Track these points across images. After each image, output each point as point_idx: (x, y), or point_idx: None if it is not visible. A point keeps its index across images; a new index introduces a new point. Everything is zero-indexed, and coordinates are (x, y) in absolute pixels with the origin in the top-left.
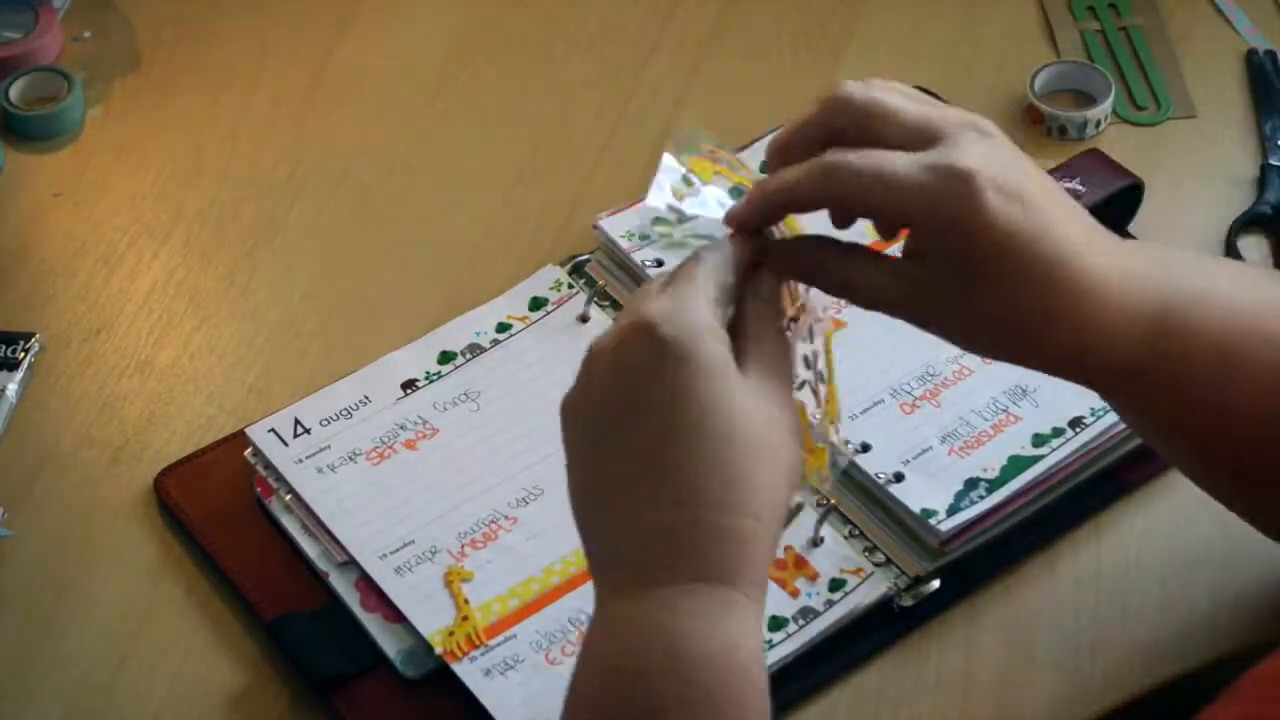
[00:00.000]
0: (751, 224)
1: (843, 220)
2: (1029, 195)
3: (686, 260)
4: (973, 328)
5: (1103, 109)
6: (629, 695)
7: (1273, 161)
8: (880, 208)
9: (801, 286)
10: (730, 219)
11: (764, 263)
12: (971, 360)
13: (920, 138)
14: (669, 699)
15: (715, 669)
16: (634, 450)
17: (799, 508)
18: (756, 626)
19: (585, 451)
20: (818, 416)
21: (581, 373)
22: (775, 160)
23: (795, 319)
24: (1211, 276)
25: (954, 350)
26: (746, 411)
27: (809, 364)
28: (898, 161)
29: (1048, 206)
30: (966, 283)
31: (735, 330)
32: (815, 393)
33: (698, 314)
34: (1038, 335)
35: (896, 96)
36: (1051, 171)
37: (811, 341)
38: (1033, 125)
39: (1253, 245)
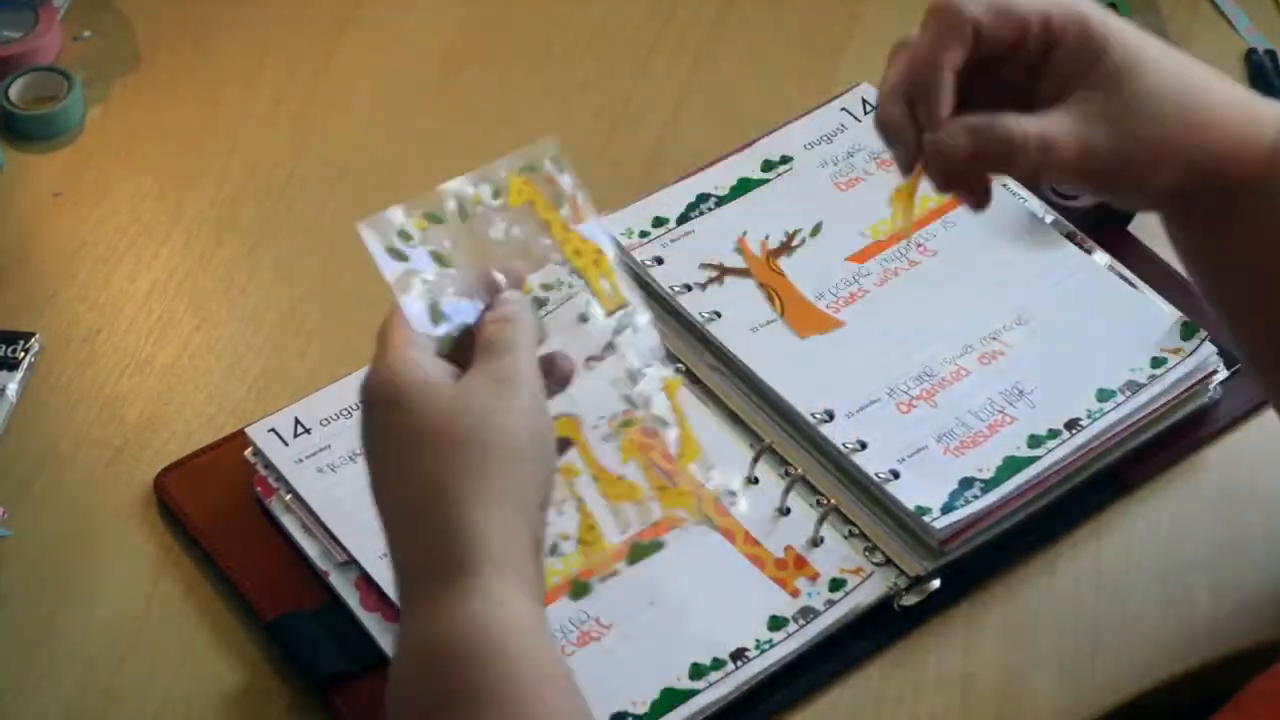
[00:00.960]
0: (904, 100)
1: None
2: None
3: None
4: (1124, 134)
5: None
6: (405, 701)
7: None
8: (1010, 33)
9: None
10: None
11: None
12: (969, 361)
13: None
14: (428, 698)
15: (463, 653)
16: (389, 496)
17: (648, 548)
18: (510, 599)
19: (377, 502)
20: (664, 461)
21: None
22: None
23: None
24: None
25: (951, 351)
26: (451, 419)
27: (634, 404)
28: None
29: (1152, 40)
30: (1105, 97)
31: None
32: (657, 436)
33: (392, 360)
34: (1175, 129)
35: None
36: None
37: (634, 384)
38: None
39: None
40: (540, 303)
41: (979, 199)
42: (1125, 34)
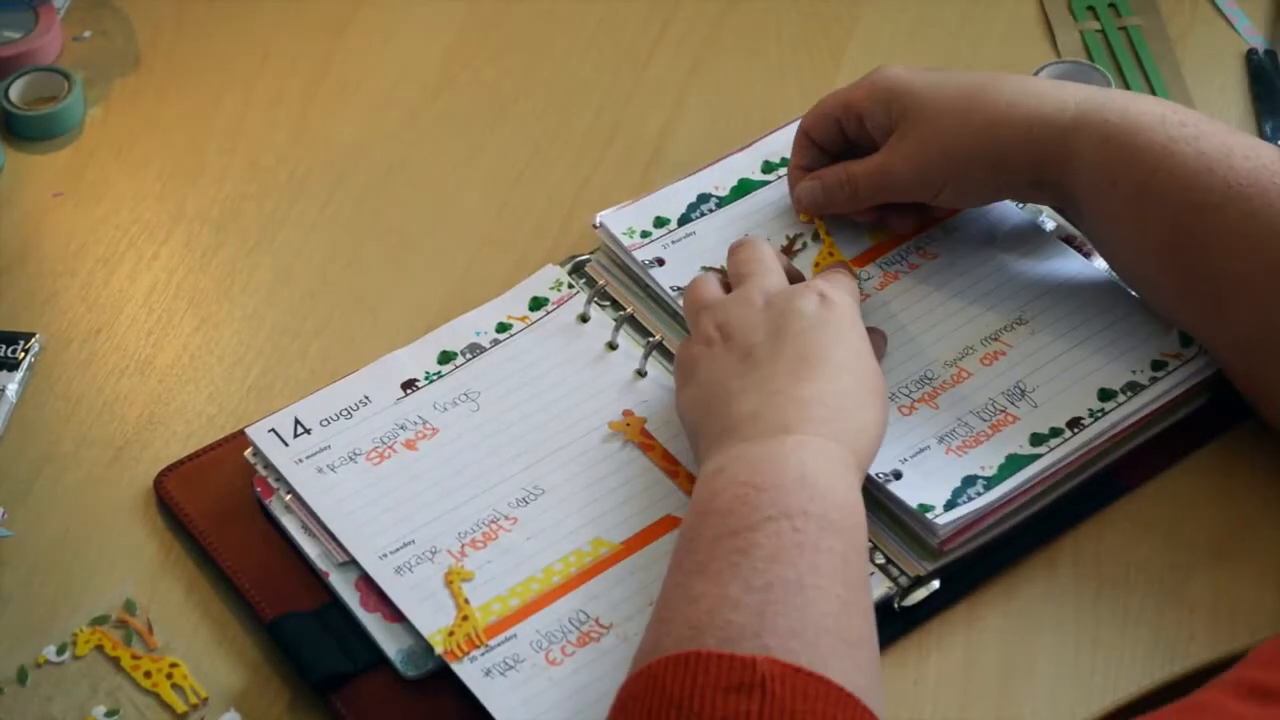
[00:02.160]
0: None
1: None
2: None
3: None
4: (920, 154)
5: None
6: (759, 502)
7: None
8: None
9: None
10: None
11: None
12: (970, 363)
13: None
14: (796, 508)
15: (834, 499)
16: (786, 351)
17: None
18: (859, 488)
19: (728, 358)
20: (663, 462)
21: (712, 324)
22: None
23: None
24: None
25: (952, 354)
26: (873, 359)
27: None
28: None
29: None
30: (905, 121)
31: None
32: (654, 437)
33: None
34: (962, 140)
35: None
36: None
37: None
38: None
39: None
40: (539, 302)
41: (877, 221)
42: (913, 82)
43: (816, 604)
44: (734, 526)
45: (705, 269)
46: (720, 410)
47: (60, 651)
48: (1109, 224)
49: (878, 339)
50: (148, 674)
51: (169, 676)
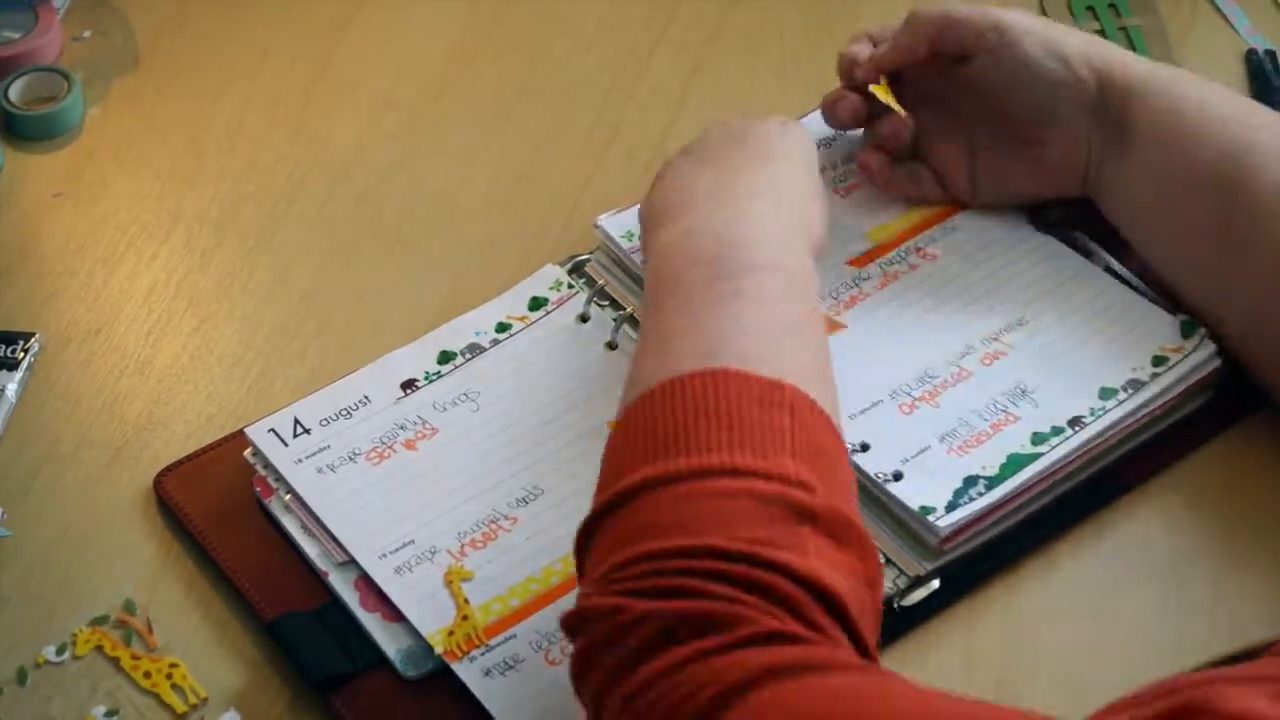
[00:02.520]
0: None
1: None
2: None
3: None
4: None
5: None
6: (739, 256)
7: None
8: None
9: None
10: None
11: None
12: (970, 363)
13: None
14: (773, 262)
15: (799, 260)
16: (746, 151)
17: None
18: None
19: (692, 162)
20: None
21: (702, 138)
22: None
23: None
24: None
25: (953, 354)
26: (817, 175)
27: None
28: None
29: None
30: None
31: None
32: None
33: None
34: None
35: None
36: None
37: None
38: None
39: None
40: (539, 302)
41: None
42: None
43: (811, 349)
44: (719, 273)
45: None
46: (681, 194)
47: (60, 651)
48: (1161, 153)
49: (898, 122)
50: (147, 674)
51: (169, 677)
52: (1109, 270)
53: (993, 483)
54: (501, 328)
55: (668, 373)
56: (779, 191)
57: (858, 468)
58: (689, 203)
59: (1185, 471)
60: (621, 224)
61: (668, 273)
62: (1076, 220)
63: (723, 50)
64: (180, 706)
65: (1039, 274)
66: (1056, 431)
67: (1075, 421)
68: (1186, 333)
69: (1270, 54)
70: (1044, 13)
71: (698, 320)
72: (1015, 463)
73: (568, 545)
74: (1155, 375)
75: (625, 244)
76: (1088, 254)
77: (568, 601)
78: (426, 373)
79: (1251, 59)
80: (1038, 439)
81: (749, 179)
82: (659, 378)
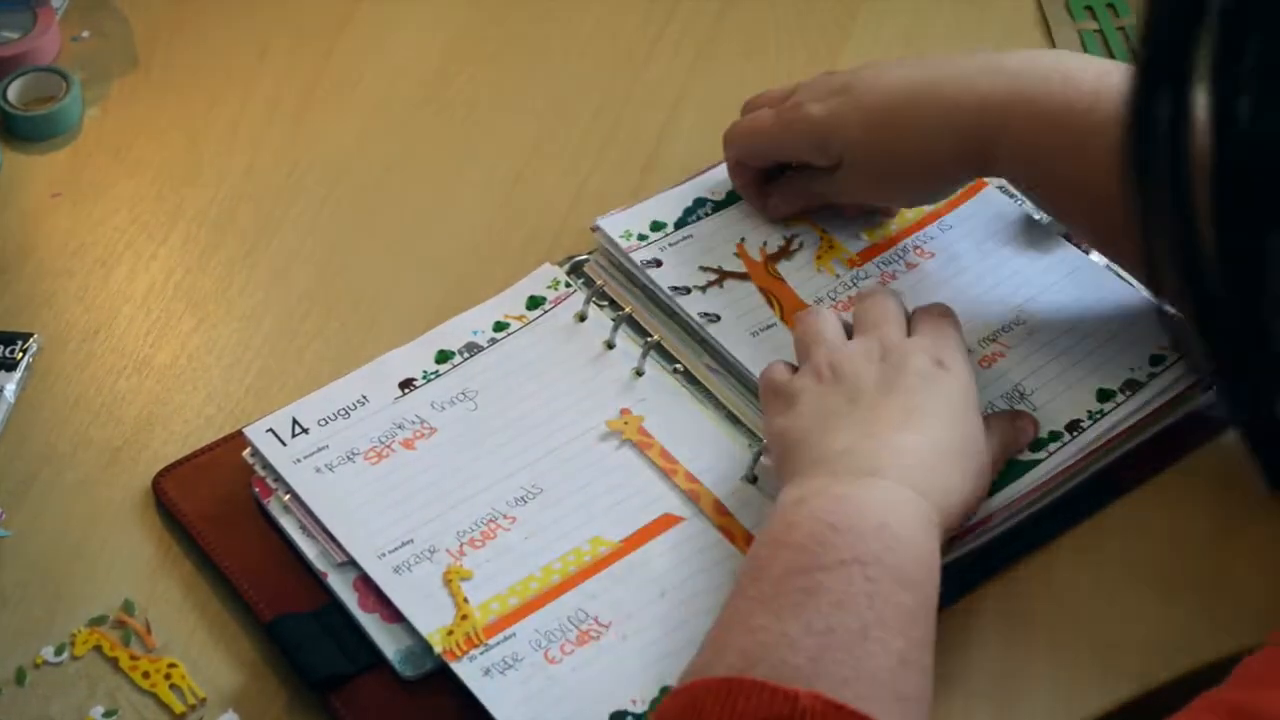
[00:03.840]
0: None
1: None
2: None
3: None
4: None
5: None
6: (835, 543)
7: None
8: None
9: None
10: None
11: None
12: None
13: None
14: (871, 555)
15: (912, 552)
16: (893, 401)
17: None
18: (938, 546)
19: (835, 396)
20: (661, 460)
21: (825, 361)
22: None
23: None
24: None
25: None
26: (979, 428)
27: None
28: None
29: None
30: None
31: None
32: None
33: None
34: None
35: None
36: None
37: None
38: None
39: None
40: (537, 302)
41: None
42: (842, 122)
43: (876, 656)
44: (805, 564)
45: (702, 268)
46: (815, 441)
47: (58, 652)
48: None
49: (1027, 423)
50: (146, 674)
51: (167, 677)
52: (1109, 268)
53: (992, 491)
54: (499, 327)
55: (703, 671)
56: (920, 460)
57: None
58: (817, 459)
59: (1184, 472)
60: (619, 225)
61: (762, 547)
62: None
63: (719, 51)
64: (179, 707)
65: (1035, 271)
66: (1055, 437)
67: (1073, 426)
68: None
69: None
70: (1042, 15)
71: (755, 619)
72: (1014, 470)
73: (567, 544)
74: (1153, 375)
75: (624, 244)
76: (1087, 252)
77: (567, 600)
78: (424, 372)
79: None
80: (1036, 445)
81: (889, 440)
82: (695, 675)
